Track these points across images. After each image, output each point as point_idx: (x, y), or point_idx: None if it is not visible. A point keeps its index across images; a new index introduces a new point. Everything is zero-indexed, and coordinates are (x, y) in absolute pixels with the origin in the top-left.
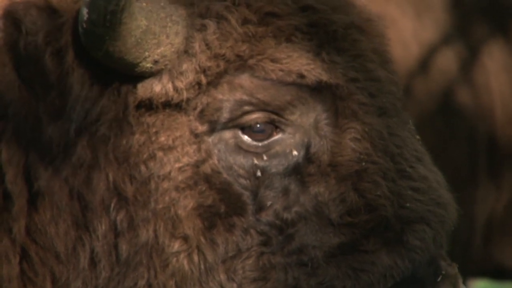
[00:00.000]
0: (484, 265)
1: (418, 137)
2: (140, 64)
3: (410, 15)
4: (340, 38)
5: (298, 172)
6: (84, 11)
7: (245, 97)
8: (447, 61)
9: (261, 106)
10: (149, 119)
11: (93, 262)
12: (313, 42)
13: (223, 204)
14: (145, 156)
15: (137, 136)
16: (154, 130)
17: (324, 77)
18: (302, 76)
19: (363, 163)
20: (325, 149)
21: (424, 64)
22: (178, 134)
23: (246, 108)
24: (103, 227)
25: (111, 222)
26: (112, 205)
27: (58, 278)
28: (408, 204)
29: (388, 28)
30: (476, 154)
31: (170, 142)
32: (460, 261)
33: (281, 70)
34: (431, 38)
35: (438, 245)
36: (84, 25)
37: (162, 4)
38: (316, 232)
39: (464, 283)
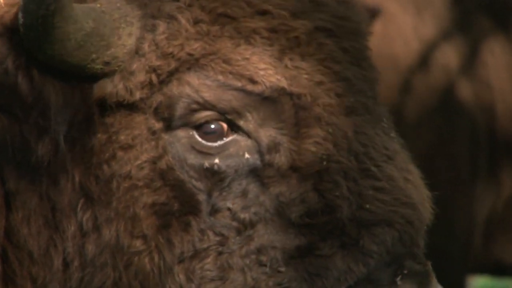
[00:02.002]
0: (484, 262)
1: (393, 134)
2: (88, 66)
3: (411, 11)
4: (304, 43)
5: (256, 174)
6: (20, 16)
7: (192, 95)
8: (448, 57)
9: (208, 106)
10: (108, 119)
11: (65, 263)
12: (274, 47)
13: (176, 202)
14: (107, 155)
15: (99, 135)
16: (114, 129)
17: (284, 84)
18: (253, 81)
19: (324, 163)
20: (282, 156)
21: (425, 60)
22: (136, 132)
23: (194, 106)
24: (72, 228)
25: (78, 223)
26: (79, 205)
27: (36, 279)
28: (368, 205)
29: (386, 23)
30: (476, 150)
31: (130, 141)
32: (460, 258)
33: (231, 72)
34: (432, 34)
35: (406, 245)
36: (21, 30)
37: (118, 5)
38: (276, 233)
39: (463, 280)
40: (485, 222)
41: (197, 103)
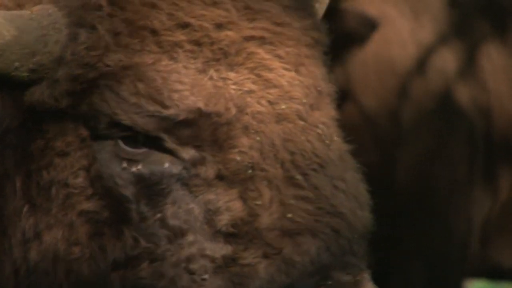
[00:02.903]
0: (482, 266)
1: (328, 141)
2: (13, 74)
3: (408, 15)
4: (233, 53)
5: (183, 182)
6: None
7: (110, 114)
8: (445, 61)
9: (124, 128)
10: (44, 125)
11: (15, 270)
12: (198, 60)
13: (107, 210)
14: (45, 162)
15: (37, 141)
16: (50, 135)
17: (200, 104)
18: (167, 106)
19: (250, 171)
20: (207, 168)
21: (422, 64)
22: (70, 139)
23: (114, 123)
24: (18, 235)
25: (22, 229)
26: (23, 212)
27: None
28: (290, 215)
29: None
30: (474, 154)
31: (64, 147)
32: (457, 261)
33: (145, 95)
34: (429, 38)
35: (335, 255)
36: None
37: (50, 11)
38: (205, 241)
39: (461, 284)
40: (482, 226)
41: (115, 123)
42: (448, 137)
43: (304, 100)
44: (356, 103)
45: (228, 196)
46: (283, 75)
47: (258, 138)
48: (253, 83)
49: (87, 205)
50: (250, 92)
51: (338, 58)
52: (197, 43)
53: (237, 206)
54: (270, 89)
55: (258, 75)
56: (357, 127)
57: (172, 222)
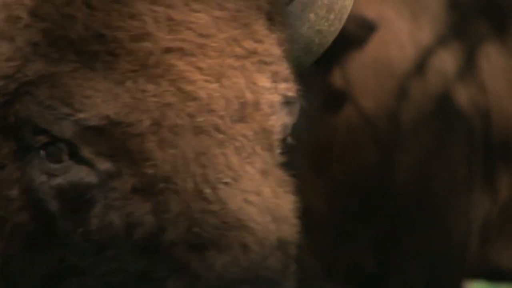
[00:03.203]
0: (481, 267)
1: (246, 154)
2: None
3: (406, 16)
4: (152, 65)
5: (103, 195)
6: None
7: (31, 121)
8: (444, 62)
9: (43, 133)
10: None
11: None
12: (116, 71)
13: (35, 223)
14: None
15: None
16: None
17: (111, 112)
18: (76, 109)
19: (162, 185)
20: (124, 181)
21: (421, 65)
22: (5, 151)
23: (35, 131)
24: None
25: None
26: None
27: None
28: (196, 229)
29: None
30: (473, 155)
31: (2, 159)
32: (456, 263)
33: (62, 100)
34: (428, 39)
35: (246, 269)
36: None
37: None
38: (125, 255)
39: (460, 285)
40: (481, 227)
41: (36, 130)
42: (447, 138)
43: (223, 113)
44: (355, 105)
45: (143, 210)
46: (203, 87)
47: (172, 152)
48: (173, 95)
49: (20, 218)
50: (169, 104)
51: (336, 60)
52: (113, 54)
53: (150, 220)
54: (189, 102)
55: (178, 88)
56: (356, 129)
57: (95, 235)
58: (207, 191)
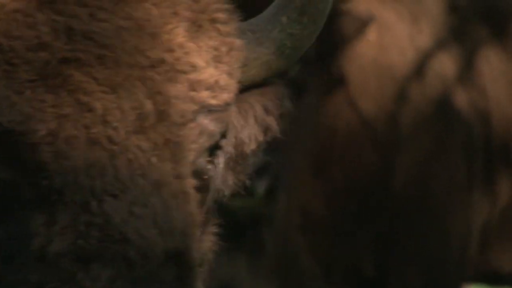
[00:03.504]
0: (481, 270)
1: (138, 166)
2: None
3: (407, 20)
4: (50, 75)
5: (8, 206)
6: None
7: None
8: (444, 66)
9: None
10: None
11: None
12: (14, 81)
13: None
14: None
15: None
16: None
17: (4, 119)
18: None
19: (54, 197)
20: (22, 192)
21: (421, 69)
22: None
23: None
24: None
25: None
26: None
27: None
28: (80, 241)
29: (382, 31)
30: (473, 159)
31: None
32: (456, 267)
33: None
34: (428, 43)
35: (131, 283)
36: None
37: None
38: (26, 266)
39: (458, 287)
40: (481, 231)
41: None
42: (447, 141)
43: (117, 124)
44: (355, 108)
45: (39, 221)
46: (99, 98)
47: (65, 163)
48: (70, 106)
49: None
50: (67, 116)
51: (336, 62)
52: (11, 63)
53: (43, 232)
54: (85, 113)
55: (76, 99)
56: (356, 131)
57: (5, 245)
58: (93, 203)
